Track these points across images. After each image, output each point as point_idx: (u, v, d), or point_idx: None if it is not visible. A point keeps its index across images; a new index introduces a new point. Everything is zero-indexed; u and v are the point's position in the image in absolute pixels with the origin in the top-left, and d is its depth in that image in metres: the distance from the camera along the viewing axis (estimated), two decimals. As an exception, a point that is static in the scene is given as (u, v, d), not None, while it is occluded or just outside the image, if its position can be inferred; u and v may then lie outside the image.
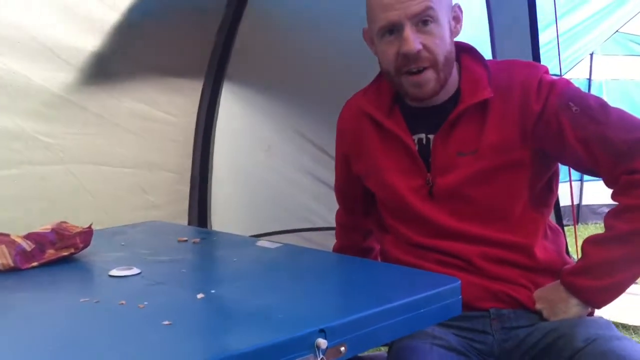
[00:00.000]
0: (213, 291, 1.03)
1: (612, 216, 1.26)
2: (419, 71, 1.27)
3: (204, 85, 2.46)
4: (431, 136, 1.35)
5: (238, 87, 2.55)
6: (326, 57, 2.40)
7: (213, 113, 2.48)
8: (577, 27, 3.57)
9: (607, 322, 1.27)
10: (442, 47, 1.28)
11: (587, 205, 5.41)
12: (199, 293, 1.00)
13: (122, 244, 1.44)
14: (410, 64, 1.27)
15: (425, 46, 1.26)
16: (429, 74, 1.28)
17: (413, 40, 1.24)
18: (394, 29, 1.27)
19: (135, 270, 1.16)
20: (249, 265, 1.26)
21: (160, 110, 2.33)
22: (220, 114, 2.52)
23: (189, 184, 2.50)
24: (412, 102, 1.37)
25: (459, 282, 1.04)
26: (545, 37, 2.66)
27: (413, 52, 1.25)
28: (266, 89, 2.58)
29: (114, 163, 2.21)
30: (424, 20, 1.25)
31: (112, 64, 2.12)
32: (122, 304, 0.97)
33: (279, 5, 2.40)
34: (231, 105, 2.54)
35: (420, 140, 1.36)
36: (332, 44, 2.34)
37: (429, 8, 1.25)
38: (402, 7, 1.24)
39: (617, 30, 4.36)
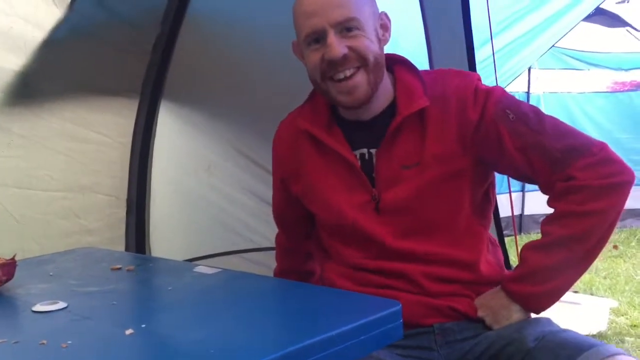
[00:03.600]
0: (143, 325, 0.98)
1: (548, 222, 1.28)
2: (347, 77, 1.26)
3: (139, 103, 2.38)
4: (373, 151, 1.33)
5: (176, 105, 2.48)
6: (265, 73, 2.39)
7: (150, 132, 2.41)
8: (514, 43, 3.67)
9: (548, 319, 1.30)
10: (371, 48, 1.27)
11: (529, 215, 5.54)
12: (127, 328, 0.95)
13: (50, 274, 1.36)
14: (337, 68, 1.26)
15: (351, 48, 1.25)
16: (359, 77, 1.26)
17: (337, 46, 1.24)
18: (319, 38, 1.26)
19: (60, 305, 1.10)
20: (184, 294, 1.21)
21: (92, 130, 2.23)
22: (158, 133, 2.44)
23: (125, 207, 2.41)
24: (345, 112, 1.35)
25: (400, 306, 1.01)
26: (482, 53, 2.71)
27: (338, 58, 1.24)
28: (205, 106, 2.52)
29: (42, 186, 2.10)
30: (347, 27, 1.25)
31: (38, 84, 2.02)
32: (43, 343, 0.91)
33: (216, 21, 2.36)
34: (169, 124, 2.47)
35: (362, 155, 1.34)
36: (270, 60, 2.32)
37: (351, 19, 1.25)
38: (325, 13, 1.24)
39: (553, 45, 4.50)
